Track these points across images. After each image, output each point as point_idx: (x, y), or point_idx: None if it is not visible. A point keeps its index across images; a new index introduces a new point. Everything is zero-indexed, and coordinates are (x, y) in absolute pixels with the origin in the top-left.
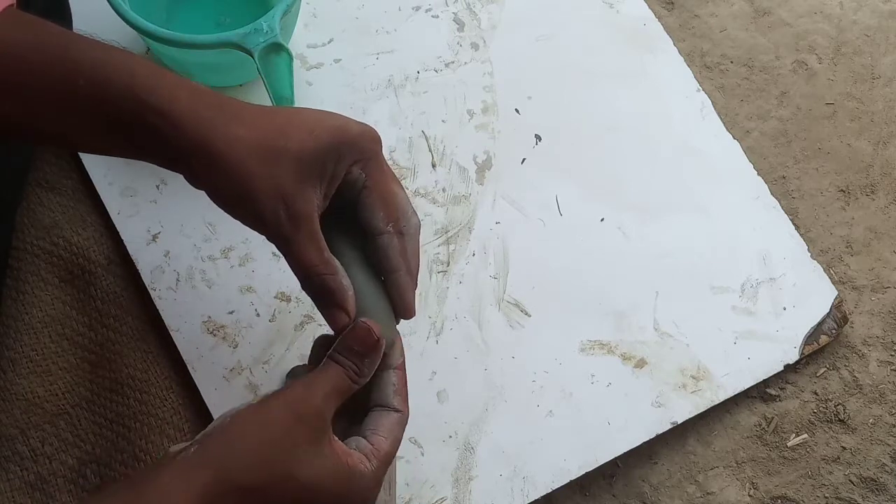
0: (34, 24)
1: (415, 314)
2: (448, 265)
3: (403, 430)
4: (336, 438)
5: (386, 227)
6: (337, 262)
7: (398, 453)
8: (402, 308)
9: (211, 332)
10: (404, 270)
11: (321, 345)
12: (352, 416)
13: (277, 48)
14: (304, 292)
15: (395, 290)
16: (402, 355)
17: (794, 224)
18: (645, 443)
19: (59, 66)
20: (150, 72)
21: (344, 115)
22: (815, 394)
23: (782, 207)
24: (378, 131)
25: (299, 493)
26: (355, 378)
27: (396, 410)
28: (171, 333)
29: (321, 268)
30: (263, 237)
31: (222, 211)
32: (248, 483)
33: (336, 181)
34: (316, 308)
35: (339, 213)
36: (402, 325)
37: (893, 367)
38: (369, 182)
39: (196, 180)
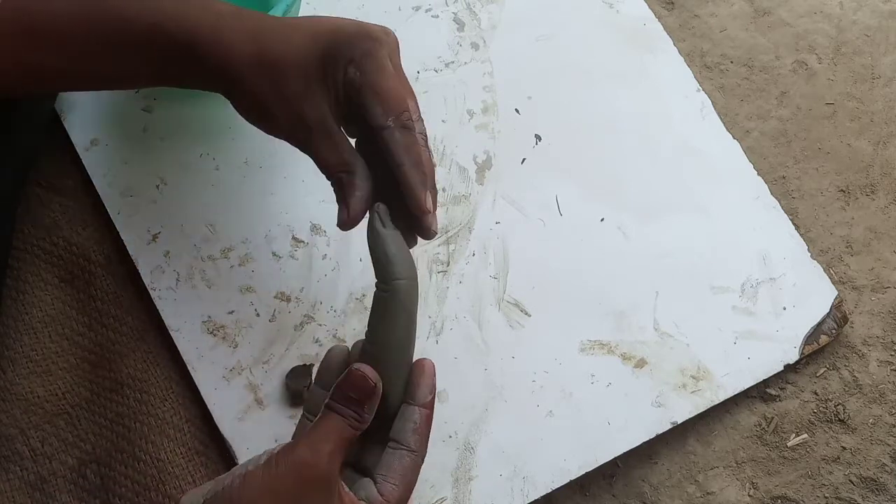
0: None
1: (431, 219)
2: (448, 265)
3: (418, 473)
4: (346, 490)
5: (386, 122)
6: (356, 161)
7: None
8: (414, 206)
9: (211, 332)
10: (409, 164)
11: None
12: (362, 447)
13: None
14: (304, 292)
15: (404, 188)
16: (433, 392)
17: (794, 224)
18: (645, 443)
19: (86, 7)
20: (175, 3)
21: (355, 19)
22: (815, 394)
23: (782, 207)
24: None
25: None
26: (357, 426)
27: (412, 451)
28: (171, 333)
29: (337, 166)
30: (264, 235)
31: (223, 209)
32: None
33: (338, 85)
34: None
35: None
36: None
37: (893, 367)
38: (362, 79)
39: (231, 100)
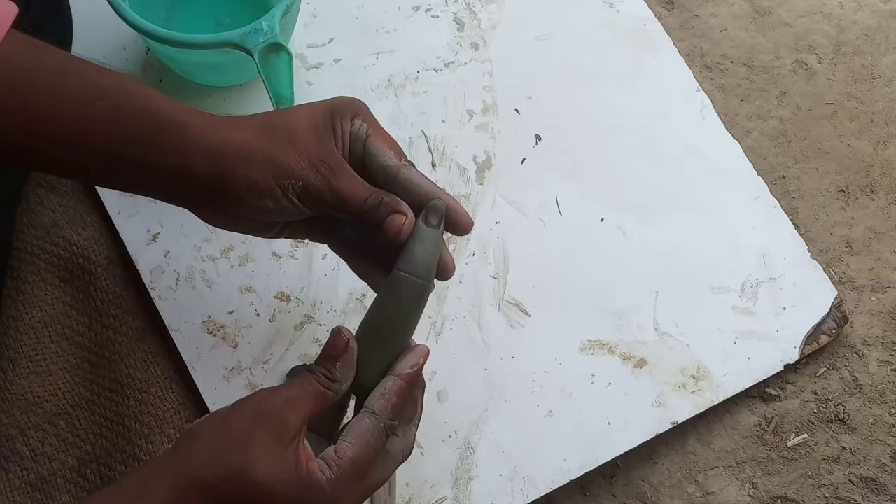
0: (45, 50)
1: (472, 226)
2: None
3: (379, 437)
4: (306, 445)
5: (401, 162)
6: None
7: None
8: (460, 224)
9: (211, 332)
10: (442, 191)
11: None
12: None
13: (277, 48)
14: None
15: (452, 214)
16: (413, 369)
17: (794, 224)
18: (645, 443)
19: (76, 91)
20: (164, 97)
21: None
22: (815, 394)
23: (782, 207)
24: None
25: (253, 492)
26: (327, 383)
27: (373, 413)
28: (171, 333)
29: (372, 196)
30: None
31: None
32: (208, 478)
33: (346, 137)
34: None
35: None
36: None
37: (893, 367)
38: (371, 130)
39: (218, 194)
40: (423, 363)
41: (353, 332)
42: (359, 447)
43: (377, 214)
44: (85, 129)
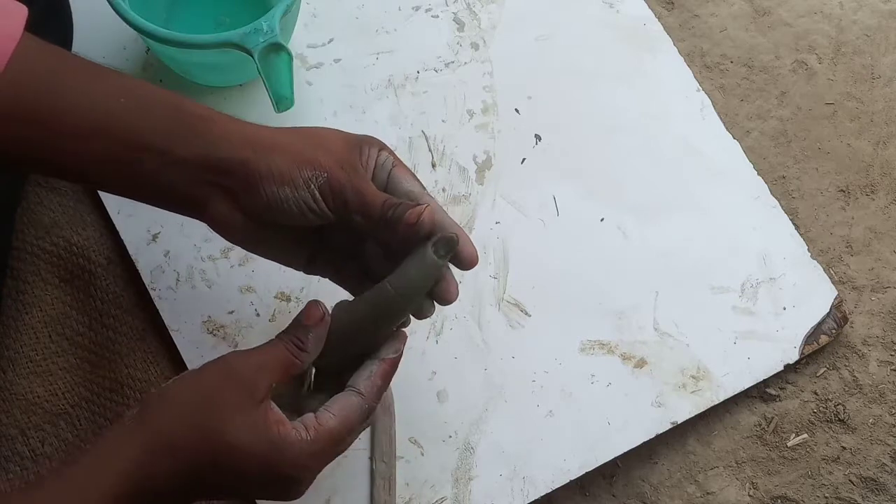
0: (63, 53)
1: (476, 262)
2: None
3: (362, 416)
4: (274, 407)
5: (424, 190)
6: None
7: (398, 453)
8: (464, 259)
9: (211, 332)
10: (458, 226)
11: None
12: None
13: (277, 48)
14: (304, 292)
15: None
16: (396, 353)
17: (794, 224)
18: (645, 443)
19: (100, 88)
20: (187, 99)
21: None
22: (815, 394)
23: (782, 207)
24: (378, 131)
25: (225, 453)
26: (296, 352)
27: (359, 393)
28: (171, 333)
29: (392, 200)
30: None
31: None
32: (178, 440)
33: (372, 162)
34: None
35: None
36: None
37: (893, 367)
38: (396, 163)
39: (238, 184)
40: (403, 349)
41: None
42: (340, 419)
43: (396, 212)
44: (109, 121)
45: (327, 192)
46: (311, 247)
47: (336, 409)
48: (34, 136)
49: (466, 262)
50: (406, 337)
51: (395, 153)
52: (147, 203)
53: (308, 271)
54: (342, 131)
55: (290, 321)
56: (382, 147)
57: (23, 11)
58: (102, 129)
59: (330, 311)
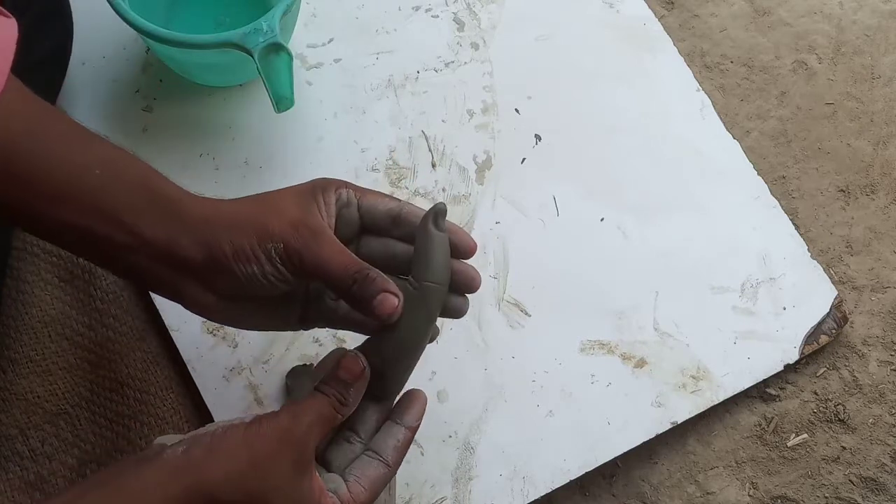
0: (48, 112)
1: (475, 249)
2: None
3: (385, 485)
4: (318, 476)
5: (399, 204)
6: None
7: None
8: (467, 243)
9: (211, 332)
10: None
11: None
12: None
13: (277, 48)
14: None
15: (451, 232)
16: (419, 420)
17: (794, 224)
18: (645, 443)
19: (78, 157)
20: (159, 175)
21: None
22: (815, 394)
23: (782, 207)
24: (378, 131)
25: None
26: (339, 408)
27: (387, 465)
28: (171, 333)
29: (353, 267)
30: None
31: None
32: (223, 497)
33: (331, 209)
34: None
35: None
36: None
37: (893, 367)
38: (359, 193)
39: (205, 265)
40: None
41: (362, 351)
42: (370, 494)
43: (365, 290)
44: (82, 193)
45: (287, 260)
46: (299, 306)
47: (367, 483)
48: (9, 191)
49: (464, 249)
50: (426, 399)
51: (355, 183)
52: (128, 281)
53: (305, 328)
54: (294, 187)
55: (324, 368)
56: (339, 185)
57: (13, 33)
58: (75, 199)
59: (367, 360)
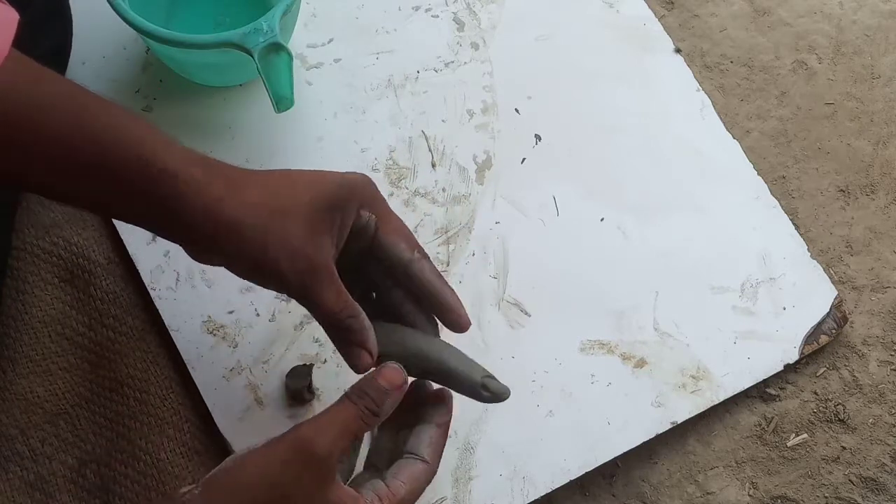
0: (42, 78)
1: (467, 324)
2: (448, 265)
3: (427, 482)
4: (341, 483)
5: (413, 255)
6: (357, 306)
7: None
8: (459, 323)
9: (211, 332)
10: (449, 290)
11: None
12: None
13: (277, 48)
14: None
15: (443, 308)
16: (449, 415)
17: (794, 224)
18: (645, 443)
19: (68, 129)
20: (158, 139)
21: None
22: (815, 394)
23: (782, 207)
24: (378, 131)
25: None
26: (369, 417)
27: (424, 461)
28: (171, 333)
29: (342, 311)
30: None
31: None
32: None
33: (345, 230)
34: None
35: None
36: None
37: (893, 367)
38: (381, 221)
39: (207, 248)
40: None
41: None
42: (409, 489)
43: (347, 335)
44: (73, 168)
45: (279, 286)
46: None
47: (406, 478)
48: (12, 142)
49: (459, 329)
50: (452, 397)
51: (381, 197)
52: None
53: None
54: (320, 187)
55: (362, 377)
56: (363, 203)
57: (12, 25)
58: (66, 174)
59: (407, 379)
